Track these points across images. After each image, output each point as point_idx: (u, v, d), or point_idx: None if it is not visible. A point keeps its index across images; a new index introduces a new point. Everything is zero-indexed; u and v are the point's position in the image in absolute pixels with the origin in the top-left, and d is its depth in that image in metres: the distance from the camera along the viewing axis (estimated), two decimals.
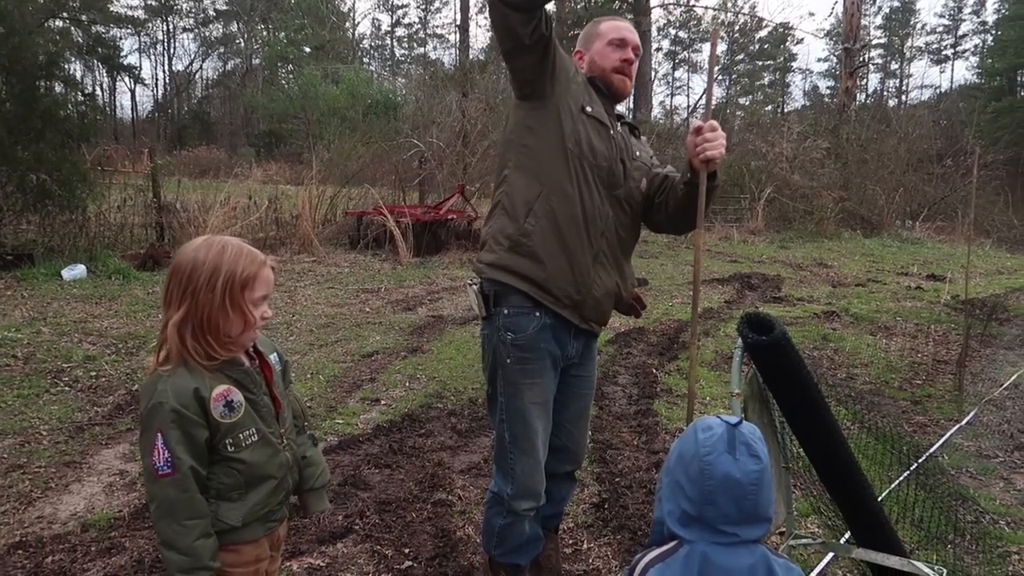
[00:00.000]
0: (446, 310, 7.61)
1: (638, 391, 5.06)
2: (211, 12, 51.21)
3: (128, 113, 49.42)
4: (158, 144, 24.64)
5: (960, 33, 57.89)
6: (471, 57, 27.63)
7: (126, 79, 48.29)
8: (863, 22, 29.40)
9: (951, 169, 20.31)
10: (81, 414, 4.32)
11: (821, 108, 36.25)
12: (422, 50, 59.96)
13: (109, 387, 4.80)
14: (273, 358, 1.78)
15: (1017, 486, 3.69)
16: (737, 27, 52.16)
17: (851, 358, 6.18)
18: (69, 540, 2.90)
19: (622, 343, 6.38)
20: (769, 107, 49.77)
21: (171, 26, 51.97)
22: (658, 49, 52.55)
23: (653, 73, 38.28)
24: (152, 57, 54.26)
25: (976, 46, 55.53)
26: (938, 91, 56.06)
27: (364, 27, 64.94)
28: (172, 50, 52.83)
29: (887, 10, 57.54)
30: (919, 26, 59.58)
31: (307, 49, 41.11)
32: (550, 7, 2.03)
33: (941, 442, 4.20)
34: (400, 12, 60.94)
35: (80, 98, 10.45)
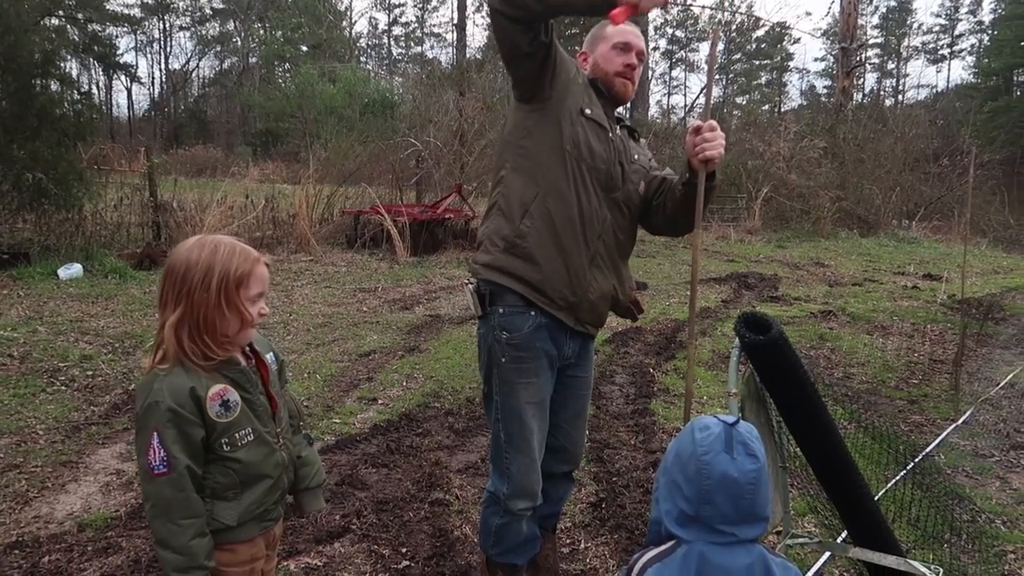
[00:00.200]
0: (443, 309, 7.61)
1: (635, 390, 5.06)
2: (207, 10, 51.12)
3: (124, 112, 49.35)
4: (154, 143, 24.61)
5: (956, 33, 58.07)
6: (468, 56, 27.64)
7: (122, 77, 48.17)
8: (860, 22, 29.42)
9: (947, 169, 20.36)
10: (77, 413, 4.31)
11: (818, 108, 36.31)
12: (419, 49, 59.95)
13: (106, 386, 4.79)
14: (269, 357, 1.78)
15: (1013, 485, 3.71)
16: (734, 26, 52.25)
17: (848, 357, 6.19)
18: (66, 540, 2.89)
19: (619, 343, 6.38)
20: (766, 106, 49.84)
21: (167, 24, 51.89)
22: (655, 48, 52.63)
23: (650, 72, 38.31)
24: (148, 55, 54.29)
25: (972, 46, 55.72)
26: (935, 91, 56.23)
27: (361, 26, 64.99)
28: (168, 48, 52.91)
29: (884, 10, 57.69)
30: (916, 26, 59.76)
31: (304, 48, 41.09)
32: None
33: (937, 441, 4.21)
34: (397, 11, 60.94)
35: (76, 96, 10.43)
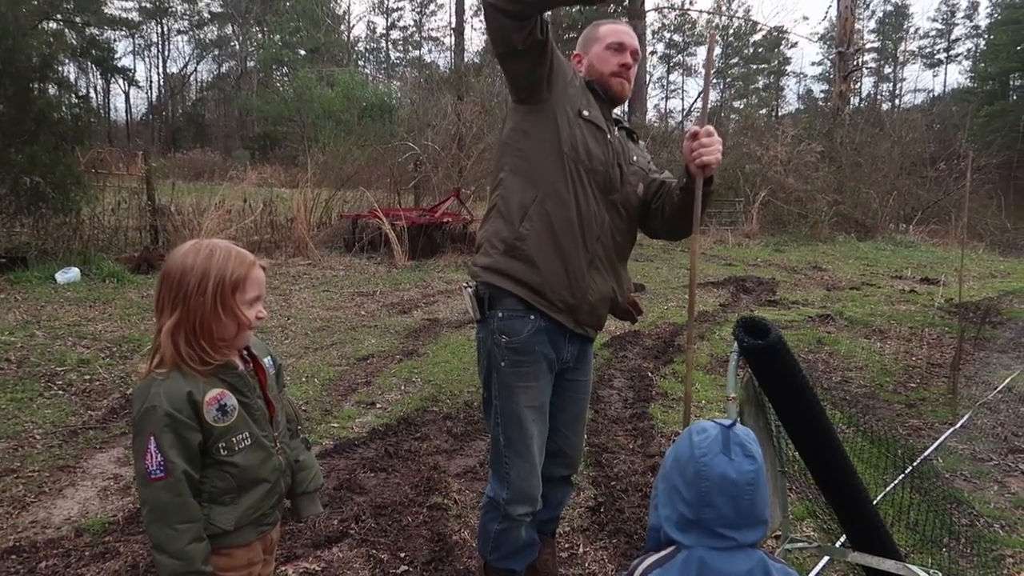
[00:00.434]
0: (441, 313, 7.61)
1: (634, 395, 5.06)
2: (206, 15, 51.17)
3: (122, 115, 49.30)
4: (152, 147, 24.55)
5: (953, 37, 58.25)
6: (466, 60, 27.67)
7: (120, 81, 48.18)
8: (857, 26, 29.49)
9: (944, 173, 20.42)
10: (75, 418, 4.30)
11: (815, 112, 36.37)
12: (417, 53, 60.01)
13: (103, 391, 4.78)
14: (267, 361, 1.77)
15: (1011, 489, 3.71)
16: (732, 31, 52.39)
17: (846, 361, 6.19)
18: (63, 545, 2.88)
19: (617, 346, 6.38)
20: (763, 111, 49.97)
21: (165, 28, 51.93)
22: (653, 52, 52.72)
23: (648, 76, 38.38)
24: (146, 59, 54.13)
25: (969, 50, 55.95)
26: (931, 95, 56.35)
27: (359, 30, 65.12)
28: (166, 52, 52.82)
29: (881, 14, 57.85)
30: (912, 30, 59.92)
31: (302, 52, 41.11)
32: (546, 13, 2.03)
33: (936, 445, 4.22)
34: (395, 15, 61.03)
35: (74, 100, 10.41)
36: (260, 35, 46.94)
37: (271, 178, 20.13)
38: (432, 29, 61.66)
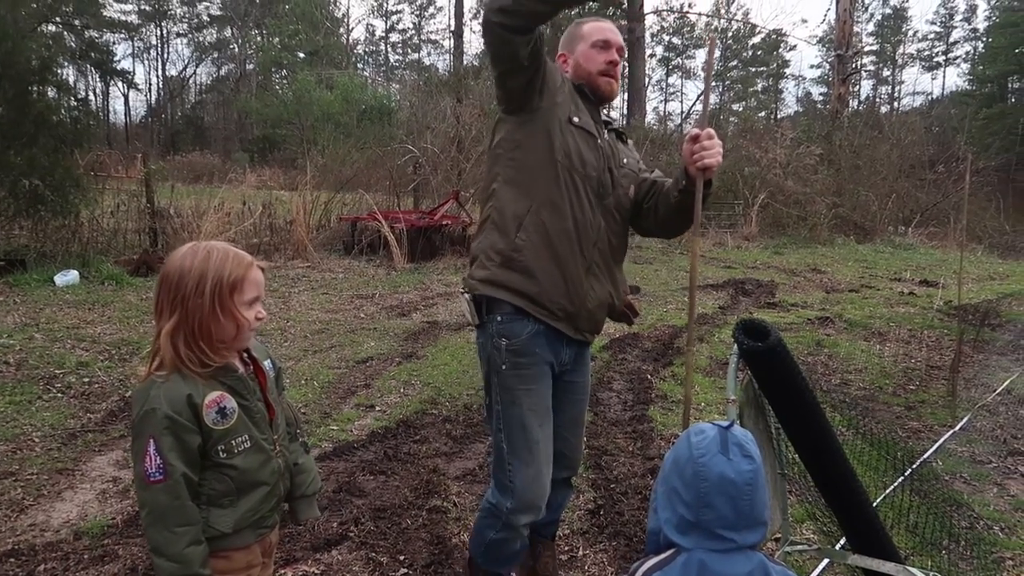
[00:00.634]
0: (441, 316, 7.61)
1: (633, 397, 5.06)
2: (205, 17, 51.21)
3: (121, 118, 49.28)
4: (152, 149, 24.59)
5: (951, 40, 58.32)
6: (465, 63, 27.71)
7: (119, 84, 48.17)
8: (855, 29, 29.54)
9: (943, 175, 20.44)
10: (74, 420, 4.29)
11: (814, 114, 36.44)
12: (416, 56, 60.06)
13: (102, 393, 4.77)
14: (267, 364, 1.77)
15: (1011, 491, 3.71)
16: (730, 33, 52.47)
17: (845, 364, 6.20)
18: (62, 548, 2.88)
19: (617, 349, 6.38)
20: (762, 113, 50.04)
21: (165, 31, 51.94)
22: (652, 55, 52.79)
23: (647, 79, 38.42)
24: (146, 62, 54.16)
25: (967, 53, 55.99)
26: (930, 97, 56.42)
27: (358, 33, 65.19)
28: (166, 55, 52.83)
29: (879, 17, 57.93)
30: (911, 33, 59.96)
31: (301, 54, 41.15)
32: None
33: (935, 448, 4.22)
34: (394, 18, 61.07)
35: (73, 103, 10.43)
36: (259, 38, 46.99)
37: (270, 181, 20.12)
38: (431, 32, 61.79)
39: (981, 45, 51.31)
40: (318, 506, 1.92)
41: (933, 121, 31.84)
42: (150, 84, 52.90)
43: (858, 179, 19.71)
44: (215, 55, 52.32)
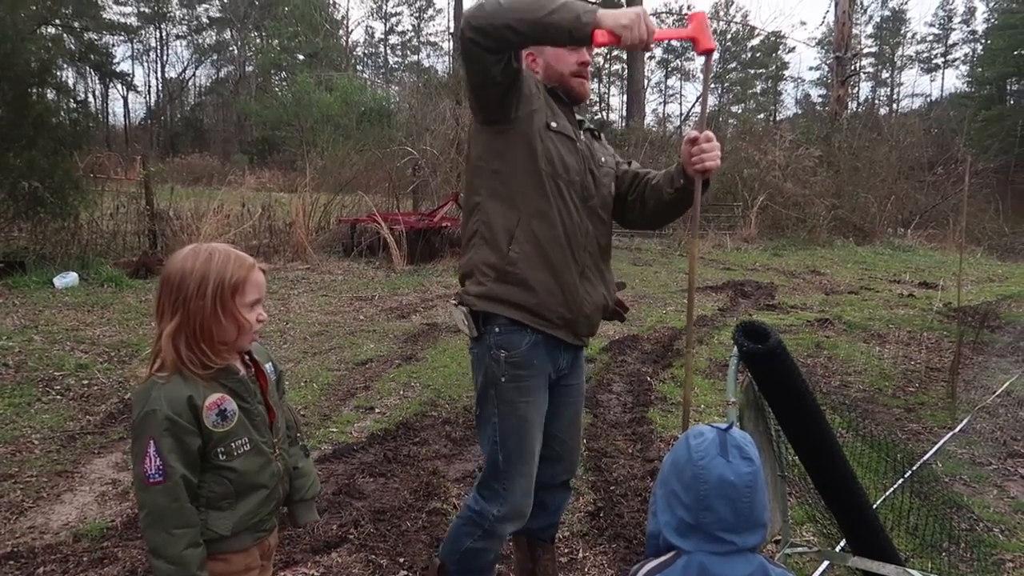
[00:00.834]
0: (440, 318, 7.61)
1: (632, 399, 5.06)
2: (204, 19, 51.24)
3: (121, 120, 49.34)
4: (151, 151, 24.61)
5: (950, 42, 58.41)
6: None
7: (119, 86, 48.22)
8: (854, 31, 29.58)
9: (942, 177, 20.45)
10: (73, 423, 4.29)
11: (813, 116, 36.46)
12: (416, 58, 60.12)
13: (101, 395, 4.77)
14: (268, 367, 1.77)
15: (1010, 493, 3.71)
16: (729, 35, 52.54)
17: (845, 366, 6.20)
18: (61, 550, 2.88)
19: (616, 351, 6.38)
20: (761, 115, 50.10)
21: (164, 33, 51.98)
22: (651, 57, 52.76)
23: (646, 81, 38.47)
24: (145, 64, 54.12)
25: (966, 55, 56.08)
26: (929, 99, 56.49)
27: (357, 35, 65.28)
28: (165, 57, 52.84)
29: (878, 19, 58.02)
30: (909, 35, 60.04)
31: (300, 56, 41.17)
32: None
33: (935, 450, 4.21)
34: (393, 20, 61.15)
35: (72, 105, 10.45)
36: (259, 40, 47.00)
37: (269, 183, 20.13)
38: (430, 34, 61.80)
39: (980, 47, 51.41)
40: (317, 509, 1.92)
41: (932, 123, 31.84)
42: (149, 86, 52.98)
43: (857, 181, 19.72)
44: (214, 57, 52.34)
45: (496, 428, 2.17)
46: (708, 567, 1.29)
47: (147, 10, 49.51)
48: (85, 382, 4.99)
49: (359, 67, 52.26)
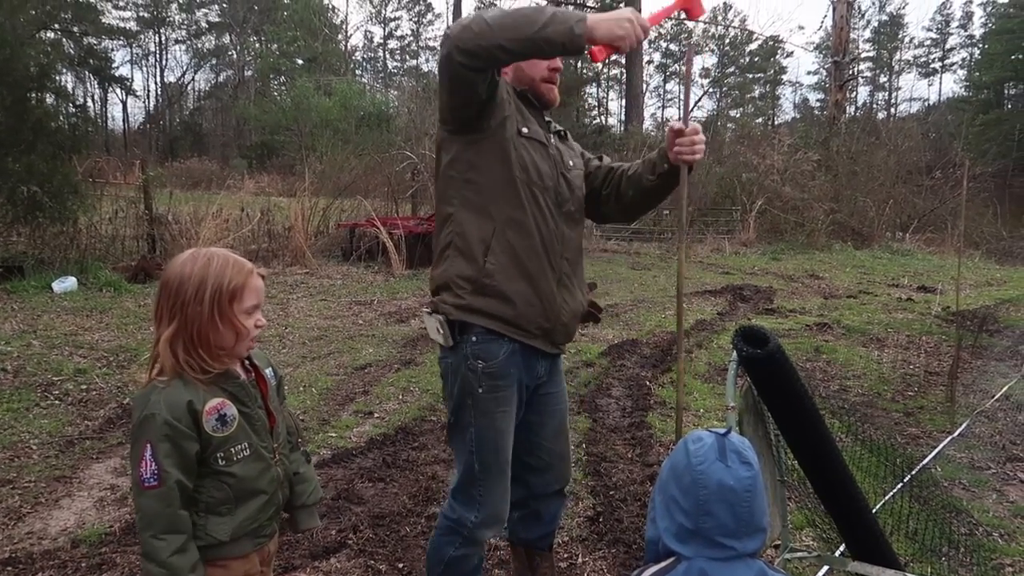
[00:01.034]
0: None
1: (631, 403, 5.05)
2: (203, 24, 51.31)
3: (120, 124, 49.36)
4: (150, 155, 24.58)
5: (948, 46, 58.62)
6: None
7: (118, 90, 48.24)
8: (852, 35, 29.66)
9: (940, 181, 20.48)
10: (72, 428, 4.28)
11: (811, 120, 36.53)
12: (415, 62, 60.22)
13: (100, 400, 4.76)
14: (268, 372, 1.77)
15: (1010, 498, 3.70)
16: (728, 40, 52.65)
17: (844, 370, 6.20)
18: (59, 556, 2.87)
19: (615, 355, 6.38)
20: (760, 119, 50.17)
21: (163, 38, 52.04)
22: (649, 62, 52.94)
23: (645, 86, 38.53)
24: (144, 69, 54.32)
25: (964, 59, 56.23)
26: (926, 104, 56.68)
27: (356, 39, 65.25)
28: (164, 62, 52.89)
29: (876, 24, 58.18)
30: (907, 39, 60.25)
31: (300, 61, 41.21)
32: None
33: (934, 454, 4.21)
34: (392, 24, 61.30)
35: (71, 109, 10.47)
36: (258, 44, 47.09)
37: (268, 187, 20.16)
38: (429, 38, 61.91)
39: (977, 51, 51.51)
40: (318, 515, 1.92)
41: (930, 127, 31.91)
42: (148, 90, 53.03)
43: (855, 185, 19.75)
44: (213, 62, 52.41)
45: (472, 438, 2.14)
46: (708, 572, 1.29)
47: (146, 15, 49.60)
48: (84, 387, 4.99)
49: (358, 71, 52.34)
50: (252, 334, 1.65)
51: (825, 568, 2.75)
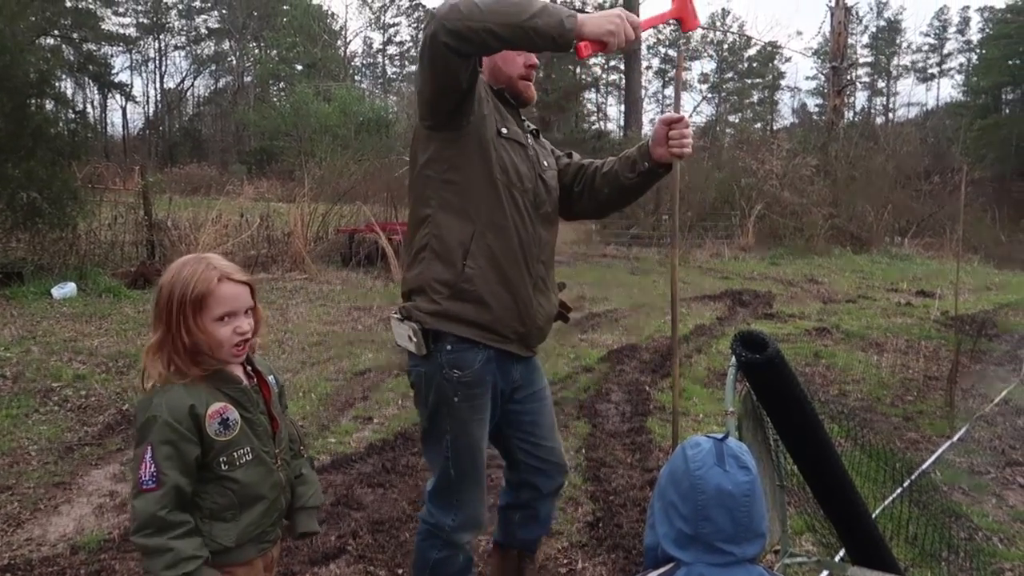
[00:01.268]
0: None
1: (631, 408, 5.05)
2: (203, 30, 51.38)
3: (119, 130, 49.30)
4: (149, 161, 24.61)
5: (945, 52, 58.71)
6: None
7: (117, 96, 48.25)
8: (850, 41, 29.73)
9: (939, 186, 20.54)
10: (71, 434, 4.28)
11: (810, 126, 36.65)
12: (414, 68, 60.25)
13: (99, 406, 4.76)
14: (271, 379, 1.78)
15: (1009, 502, 3.70)
16: (726, 46, 52.77)
17: (843, 374, 6.20)
18: (58, 563, 2.87)
19: (615, 360, 6.38)
20: (758, 125, 50.20)
21: (163, 44, 52.06)
22: (648, 67, 53.00)
23: (643, 91, 38.59)
24: (143, 75, 54.14)
25: (961, 64, 56.33)
26: (925, 109, 56.70)
27: (356, 45, 65.35)
28: (164, 68, 52.92)
29: (873, 29, 58.31)
30: (905, 45, 60.34)
31: (299, 67, 41.33)
32: None
33: (933, 459, 4.21)
34: (392, 30, 61.32)
35: (71, 115, 10.47)
36: (257, 50, 47.16)
37: (268, 192, 20.16)
38: None
39: (975, 57, 51.61)
40: (318, 520, 1.91)
41: (928, 132, 32.00)
42: (148, 96, 52.99)
43: (854, 190, 19.79)
44: (213, 67, 52.45)
45: (449, 446, 2.12)
46: None
47: (146, 21, 49.65)
48: (83, 393, 4.98)
49: (357, 77, 52.45)
50: (232, 341, 1.62)
51: (825, 573, 2.75)
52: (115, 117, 51.16)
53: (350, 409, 4.90)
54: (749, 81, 56.68)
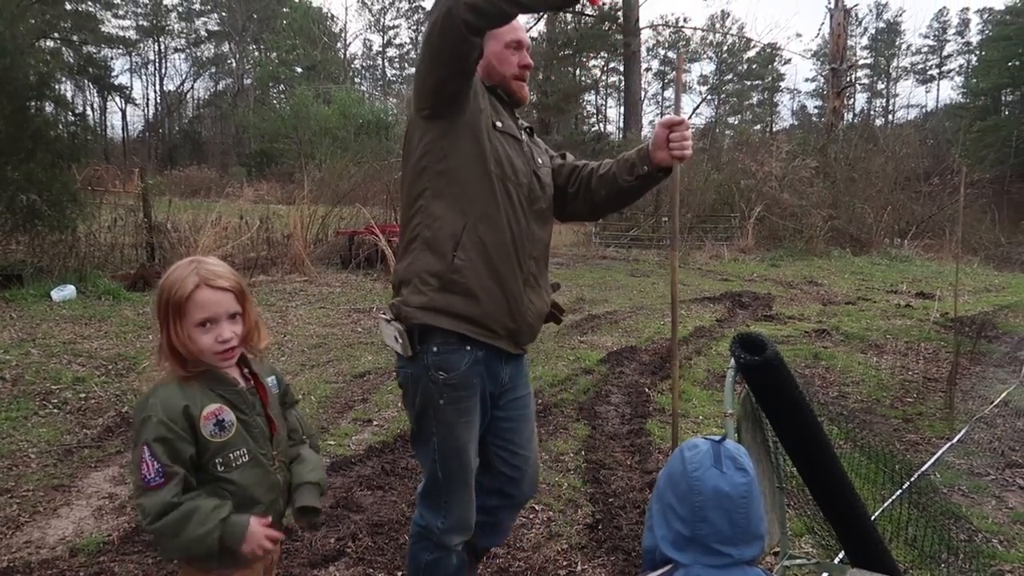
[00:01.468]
0: None
1: (631, 410, 5.05)
2: (203, 33, 51.46)
3: (119, 133, 49.42)
4: (149, 164, 24.63)
5: (945, 53, 58.82)
6: None
7: (117, 99, 48.31)
8: (849, 43, 29.79)
9: (938, 187, 20.53)
10: (70, 436, 4.27)
11: (809, 127, 36.71)
12: (413, 70, 60.26)
13: (99, 409, 4.76)
14: (271, 381, 1.78)
15: (1009, 504, 3.70)
16: (725, 47, 52.81)
17: (842, 376, 6.20)
18: (57, 565, 2.86)
19: (614, 362, 6.38)
20: (758, 126, 50.30)
21: (162, 46, 52.15)
22: (647, 69, 53.02)
23: (643, 93, 38.62)
24: (143, 77, 54.24)
25: (961, 66, 56.42)
26: (924, 110, 56.84)
27: (355, 47, 65.47)
28: (163, 70, 52.99)
29: (873, 31, 58.41)
30: (904, 46, 60.46)
31: (299, 69, 41.38)
32: None
33: (933, 460, 4.21)
34: (391, 33, 61.39)
35: (71, 118, 10.47)
36: (257, 53, 47.24)
37: (267, 195, 20.19)
38: None
39: (974, 58, 51.68)
40: (316, 523, 1.90)
41: (928, 134, 32.08)
42: (148, 99, 53.08)
43: (854, 191, 19.81)
44: (213, 70, 52.53)
45: (436, 449, 2.12)
46: None
47: (146, 23, 49.72)
48: (82, 395, 4.98)
49: (357, 80, 52.50)
50: (214, 349, 1.61)
51: (824, 575, 2.75)
52: (115, 120, 51.27)
53: (349, 411, 4.90)
54: (748, 83, 56.75)
